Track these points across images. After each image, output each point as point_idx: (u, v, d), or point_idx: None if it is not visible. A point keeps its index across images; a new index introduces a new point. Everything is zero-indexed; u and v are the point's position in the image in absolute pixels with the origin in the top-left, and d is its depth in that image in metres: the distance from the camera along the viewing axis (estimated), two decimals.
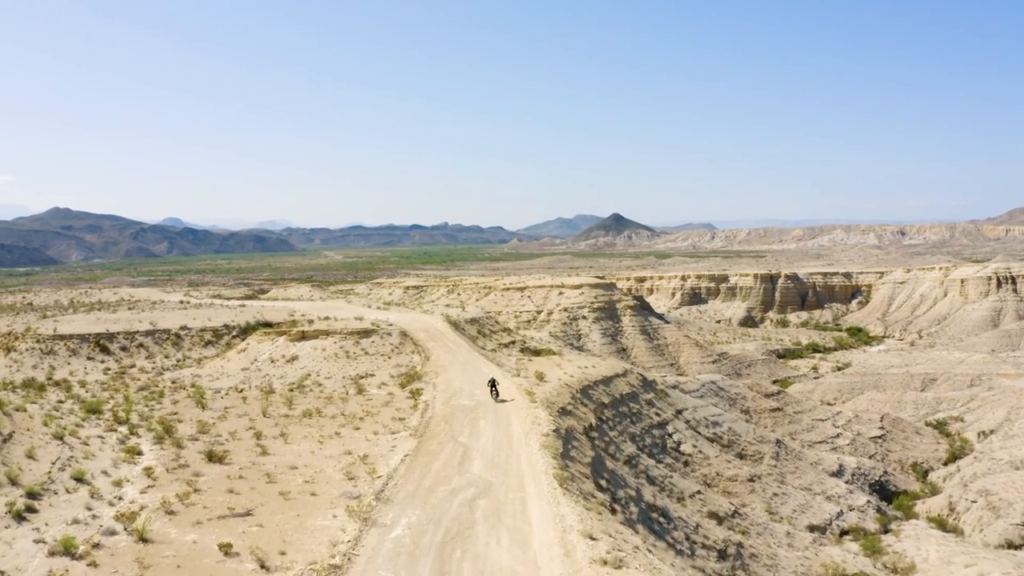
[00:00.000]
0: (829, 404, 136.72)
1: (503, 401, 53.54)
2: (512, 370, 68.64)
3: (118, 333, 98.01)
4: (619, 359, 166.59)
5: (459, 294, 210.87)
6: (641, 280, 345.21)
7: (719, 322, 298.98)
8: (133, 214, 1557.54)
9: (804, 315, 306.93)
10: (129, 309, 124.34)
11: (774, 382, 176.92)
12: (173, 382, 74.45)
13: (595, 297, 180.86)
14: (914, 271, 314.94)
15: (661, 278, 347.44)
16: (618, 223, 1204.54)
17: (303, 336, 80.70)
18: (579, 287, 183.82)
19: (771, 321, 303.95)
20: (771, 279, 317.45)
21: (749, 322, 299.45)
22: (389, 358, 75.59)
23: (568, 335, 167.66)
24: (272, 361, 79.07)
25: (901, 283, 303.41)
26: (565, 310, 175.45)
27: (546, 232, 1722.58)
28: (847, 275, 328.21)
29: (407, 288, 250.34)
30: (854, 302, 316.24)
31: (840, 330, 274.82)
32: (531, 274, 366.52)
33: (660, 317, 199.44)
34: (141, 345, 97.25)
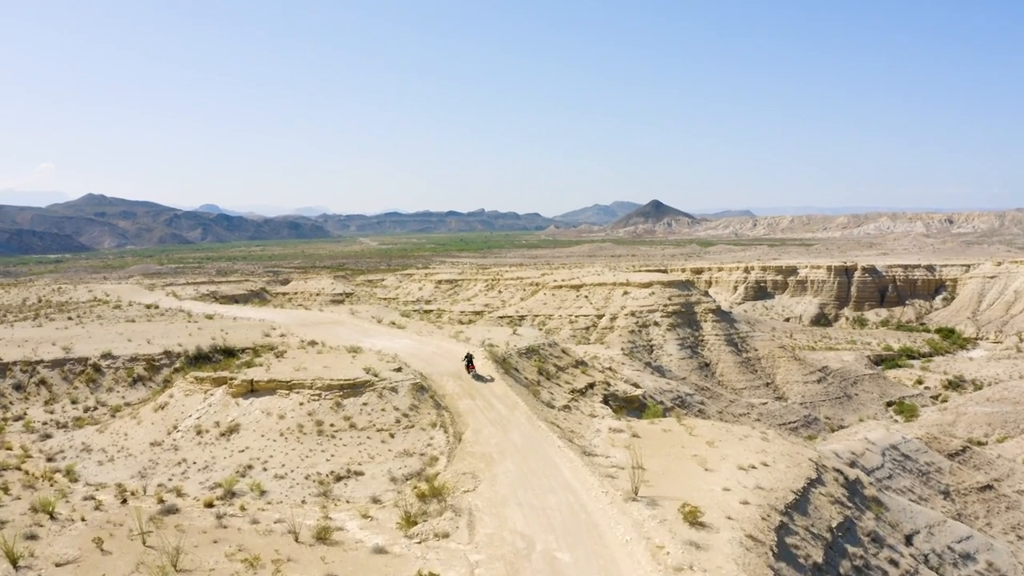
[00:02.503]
0: (980, 444, 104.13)
1: None
2: (613, 470, 36.77)
3: (13, 364, 67.49)
4: (702, 378, 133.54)
5: (500, 291, 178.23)
6: (698, 272, 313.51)
7: (788, 320, 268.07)
8: (169, 201, 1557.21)
9: (883, 312, 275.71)
10: (68, 318, 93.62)
11: (888, 404, 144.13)
12: (49, 460, 46.66)
13: (668, 298, 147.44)
14: (1005, 264, 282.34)
15: (721, 269, 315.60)
16: (657, 210, 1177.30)
17: (252, 389, 48.46)
18: (648, 285, 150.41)
19: (846, 319, 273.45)
20: (846, 272, 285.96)
21: (822, 320, 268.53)
22: (392, 435, 43.28)
23: (637, 347, 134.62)
24: (199, 433, 47.09)
25: (992, 277, 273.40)
26: (632, 314, 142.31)
27: (583, 219, 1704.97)
28: (929, 268, 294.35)
29: (439, 283, 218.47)
30: (938, 298, 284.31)
31: (927, 330, 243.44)
32: (581, 265, 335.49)
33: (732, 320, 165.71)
34: (43, 382, 67.11)
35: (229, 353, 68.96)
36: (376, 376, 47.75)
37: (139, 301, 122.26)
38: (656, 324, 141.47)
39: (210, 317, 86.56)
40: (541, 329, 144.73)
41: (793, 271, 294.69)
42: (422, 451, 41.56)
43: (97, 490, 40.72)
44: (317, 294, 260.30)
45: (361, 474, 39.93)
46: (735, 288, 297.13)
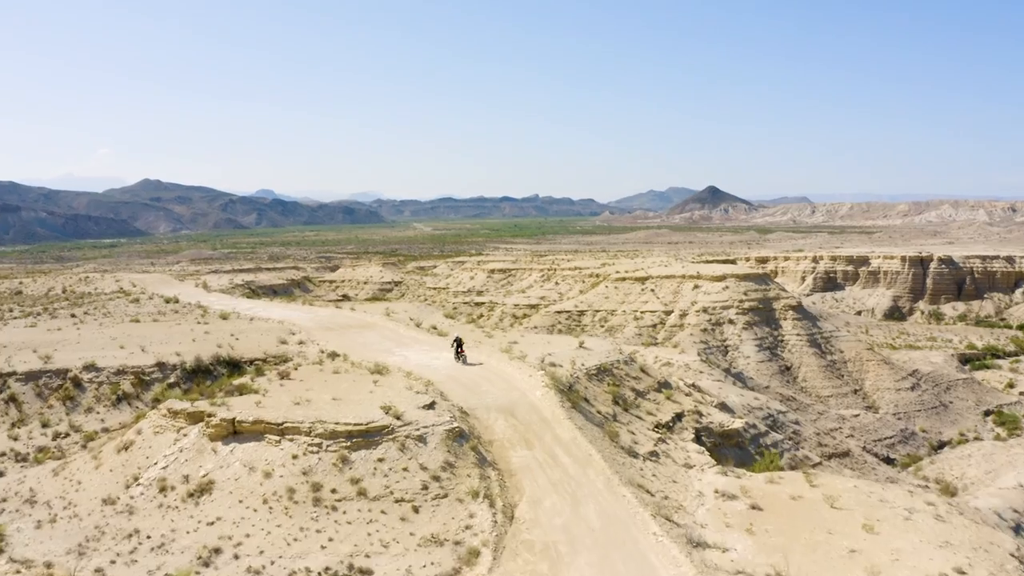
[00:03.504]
0: None
1: None
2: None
3: None
4: (783, 384, 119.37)
5: (557, 283, 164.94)
6: (763, 261, 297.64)
7: (859, 313, 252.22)
8: (225, 186, 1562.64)
9: (960, 306, 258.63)
10: (72, 316, 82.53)
11: (986, 414, 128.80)
12: None
13: (744, 293, 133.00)
14: None
15: (788, 259, 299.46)
16: (714, 196, 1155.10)
17: (234, 430, 36.08)
18: (721, 279, 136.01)
19: (921, 313, 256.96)
20: (921, 263, 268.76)
21: (895, 314, 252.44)
22: (416, 509, 30.73)
23: (710, 348, 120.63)
24: (162, 490, 35.15)
25: None
26: (704, 311, 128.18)
27: (638, 205, 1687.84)
28: (1009, 259, 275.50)
29: (492, 272, 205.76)
30: (1018, 292, 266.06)
31: (1008, 326, 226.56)
32: (638, 252, 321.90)
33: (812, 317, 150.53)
34: (13, 399, 56.20)
35: (234, 366, 57.13)
36: (398, 418, 35.01)
37: (162, 294, 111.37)
38: (731, 322, 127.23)
39: (224, 318, 74.58)
40: (603, 327, 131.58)
41: (865, 261, 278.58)
42: (457, 537, 28.90)
43: (19, 573, 29.73)
44: (364, 282, 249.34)
45: (369, 573, 27.38)
46: (803, 279, 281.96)
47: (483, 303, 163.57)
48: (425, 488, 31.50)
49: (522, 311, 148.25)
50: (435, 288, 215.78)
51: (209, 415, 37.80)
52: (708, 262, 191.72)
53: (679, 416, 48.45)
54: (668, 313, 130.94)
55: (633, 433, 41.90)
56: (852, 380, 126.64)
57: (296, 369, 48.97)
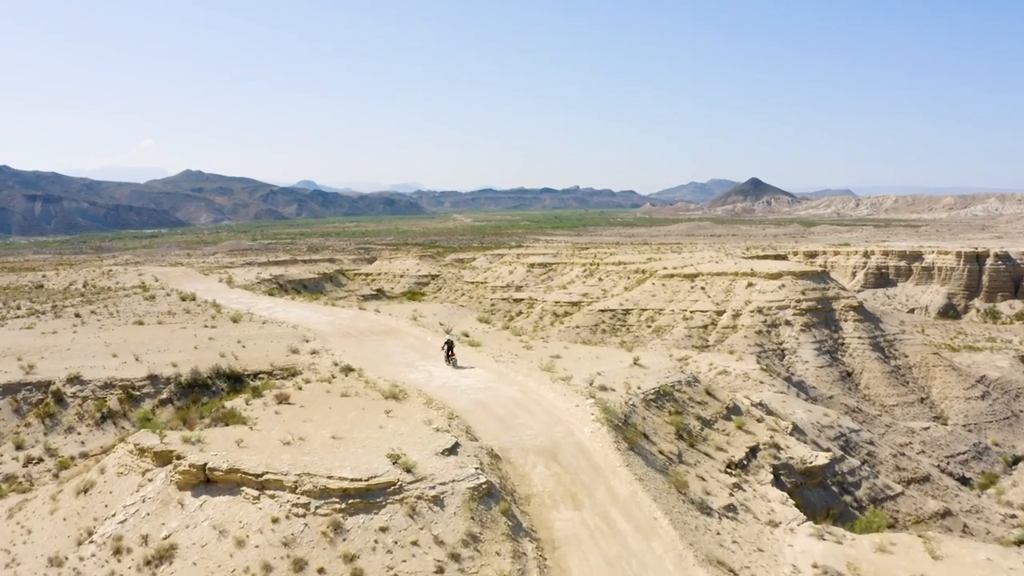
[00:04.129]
0: None
1: None
2: None
3: None
4: (845, 392, 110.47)
5: (600, 279, 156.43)
6: (812, 256, 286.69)
7: (912, 311, 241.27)
8: (267, 177, 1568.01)
9: (1018, 304, 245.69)
10: (76, 315, 76.27)
11: None
12: None
13: (802, 292, 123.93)
14: None
15: (837, 253, 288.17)
16: (756, 188, 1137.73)
17: (207, 479, 28.72)
18: (777, 276, 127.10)
19: (976, 311, 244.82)
20: (977, 259, 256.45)
21: (950, 312, 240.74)
22: None
23: (766, 351, 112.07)
24: (116, 552, 28.11)
25: None
26: (759, 311, 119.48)
27: (679, 197, 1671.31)
28: None
29: (532, 266, 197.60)
30: None
31: None
32: (681, 245, 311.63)
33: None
34: None
35: (234, 379, 50.13)
36: (409, 470, 27.31)
37: (181, 290, 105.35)
38: (787, 323, 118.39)
39: (235, 320, 67.55)
40: (650, 327, 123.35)
41: (918, 256, 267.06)
42: None
43: None
44: (401, 276, 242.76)
45: None
46: (853, 274, 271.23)
47: (522, 299, 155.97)
48: (440, 572, 23.87)
49: (563, 309, 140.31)
50: (473, 282, 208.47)
51: (179, 457, 30.49)
52: (759, 258, 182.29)
53: (754, 451, 40.48)
54: (720, 313, 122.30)
55: (703, 479, 34.04)
56: (917, 388, 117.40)
57: (299, 389, 41.64)
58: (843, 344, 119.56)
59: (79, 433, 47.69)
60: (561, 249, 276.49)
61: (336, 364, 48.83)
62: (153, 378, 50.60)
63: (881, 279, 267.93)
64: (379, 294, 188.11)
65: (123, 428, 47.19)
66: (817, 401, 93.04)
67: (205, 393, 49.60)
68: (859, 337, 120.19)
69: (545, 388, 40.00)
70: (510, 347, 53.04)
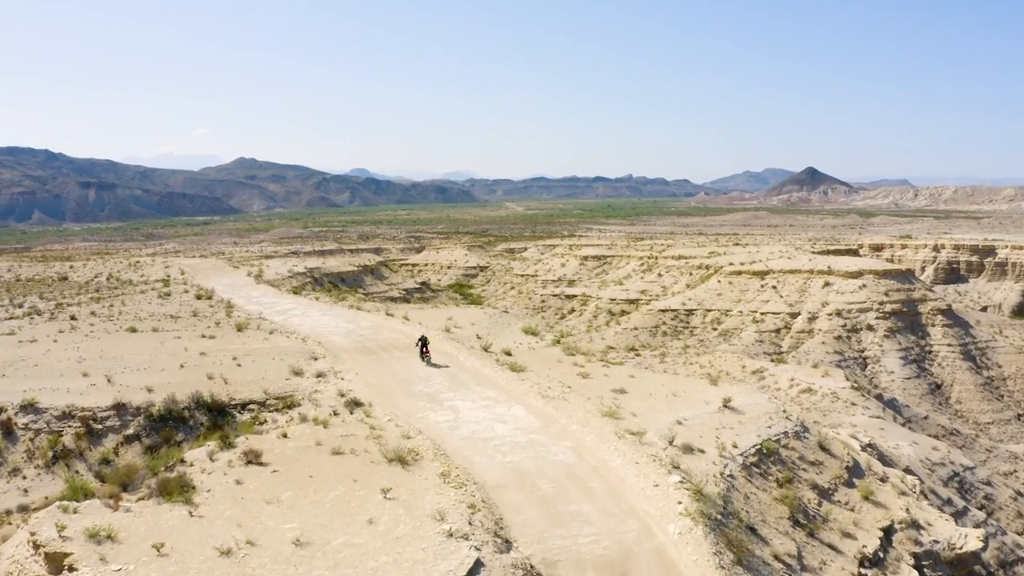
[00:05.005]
0: None
1: None
2: None
3: None
4: (934, 407, 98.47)
5: (660, 274, 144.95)
6: (878, 248, 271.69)
7: (984, 309, 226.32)
8: (320, 165, 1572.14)
9: None
10: (71, 318, 67.38)
11: None
12: None
13: (885, 294, 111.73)
14: None
15: (905, 247, 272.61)
16: (812, 177, 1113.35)
17: None
18: (857, 275, 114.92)
19: None
20: None
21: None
22: None
23: (847, 360, 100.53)
24: None
25: None
26: (838, 314, 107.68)
27: (733, 186, 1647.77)
28: None
29: (585, 259, 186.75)
30: None
31: None
32: (738, 236, 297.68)
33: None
34: None
35: (217, 411, 40.33)
36: None
37: (202, 285, 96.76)
38: (870, 328, 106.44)
39: (240, 329, 57.64)
40: (716, 329, 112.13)
41: (991, 251, 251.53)
42: None
43: None
44: (448, 267, 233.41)
45: None
46: (922, 269, 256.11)
47: (575, 296, 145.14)
48: None
49: (619, 307, 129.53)
50: (522, 275, 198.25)
51: (71, 569, 20.62)
52: (832, 252, 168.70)
53: (888, 534, 29.65)
54: (794, 315, 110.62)
55: None
56: (1013, 402, 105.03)
57: (283, 437, 31.76)
58: (931, 352, 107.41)
59: (24, 477, 38.34)
60: (615, 240, 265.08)
61: (342, 395, 38.88)
62: (120, 407, 40.97)
63: (952, 274, 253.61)
64: (423, 287, 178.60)
65: (76, 472, 37.71)
66: (912, 423, 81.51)
67: (181, 428, 39.95)
68: (948, 344, 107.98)
69: (609, 448, 29.30)
70: (561, 373, 42.49)
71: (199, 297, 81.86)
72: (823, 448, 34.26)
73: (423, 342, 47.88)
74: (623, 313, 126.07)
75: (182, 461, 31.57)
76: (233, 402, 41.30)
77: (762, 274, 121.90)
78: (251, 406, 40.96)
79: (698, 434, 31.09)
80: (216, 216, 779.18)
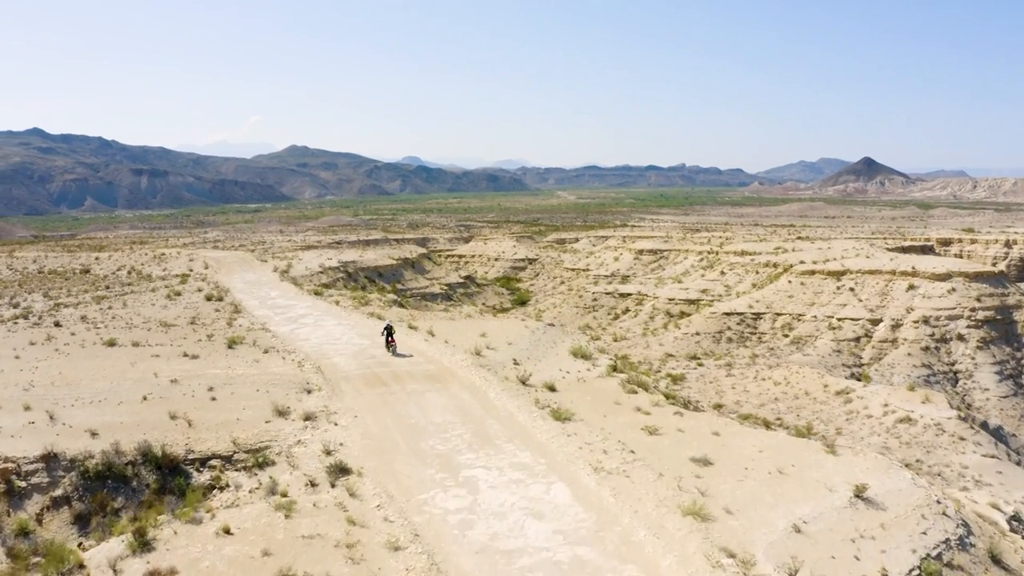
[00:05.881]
0: None
1: None
2: None
3: None
4: None
5: (722, 272, 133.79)
6: (946, 243, 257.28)
7: None
8: (372, 153, 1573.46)
9: None
10: (54, 325, 58.71)
11: None
12: None
13: (976, 299, 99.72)
14: None
15: (975, 241, 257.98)
16: (869, 168, 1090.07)
17: None
18: (945, 277, 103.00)
19: None
20: None
21: None
22: None
23: (935, 374, 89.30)
24: None
25: None
26: (924, 321, 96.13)
27: (788, 176, 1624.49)
28: None
29: (640, 253, 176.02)
30: None
31: None
32: (795, 227, 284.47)
33: None
34: None
35: (169, 469, 30.83)
36: None
37: (221, 282, 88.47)
38: (960, 339, 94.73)
39: (231, 345, 48.10)
40: (787, 336, 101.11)
41: None
42: None
43: None
44: (496, 259, 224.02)
45: None
46: (993, 265, 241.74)
47: (629, 294, 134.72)
48: None
49: (678, 307, 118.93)
50: (573, 269, 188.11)
51: None
52: (908, 249, 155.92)
53: None
54: (875, 323, 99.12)
55: None
56: None
57: (225, 534, 22.28)
58: None
59: None
60: (671, 232, 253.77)
61: (328, 452, 29.32)
62: (51, 459, 31.63)
63: None
64: (467, 282, 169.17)
65: None
66: (1021, 456, 69.96)
67: (121, 490, 30.54)
68: None
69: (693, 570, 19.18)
70: (621, 423, 32.17)
71: (209, 298, 73.07)
72: (995, 560, 23.71)
73: (388, 331, 46.72)
74: (682, 315, 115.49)
75: (80, 566, 22.30)
76: (191, 456, 31.77)
77: (838, 274, 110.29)
78: (213, 462, 31.48)
79: (829, 553, 20.77)
80: (267, 203, 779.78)
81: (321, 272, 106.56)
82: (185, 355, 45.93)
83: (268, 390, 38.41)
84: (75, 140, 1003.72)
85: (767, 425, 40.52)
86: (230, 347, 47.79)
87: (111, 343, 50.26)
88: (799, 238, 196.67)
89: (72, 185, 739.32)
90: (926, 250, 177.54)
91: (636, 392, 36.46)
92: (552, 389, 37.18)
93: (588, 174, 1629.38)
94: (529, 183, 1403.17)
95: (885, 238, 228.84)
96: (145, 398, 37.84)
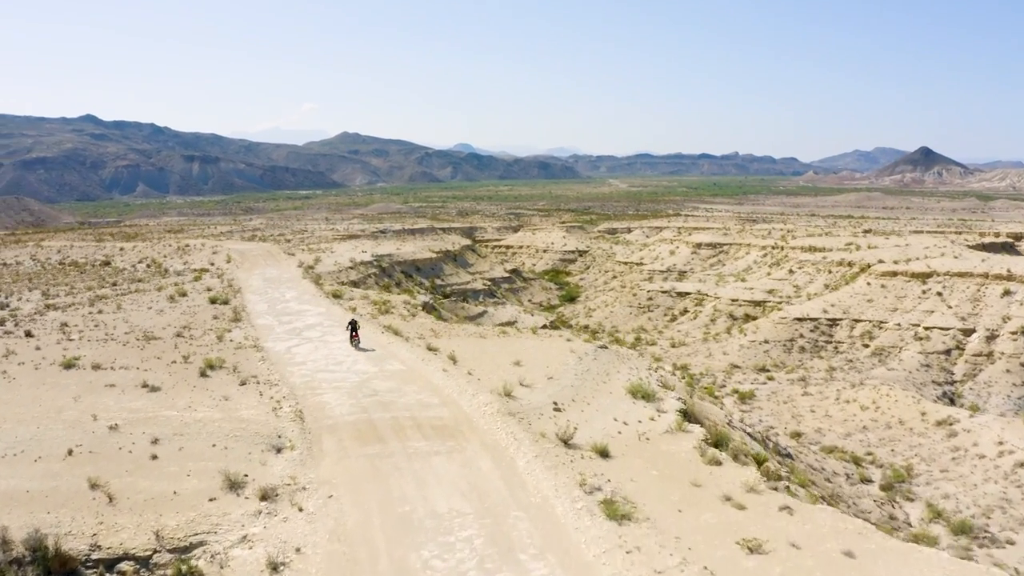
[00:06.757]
0: None
1: None
2: None
3: None
4: None
5: (791, 270, 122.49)
6: (1017, 237, 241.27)
7: None
8: (424, 140, 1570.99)
9: None
10: (27, 334, 50.35)
11: None
12: None
13: None
14: None
15: None
16: (927, 158, 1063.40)
17: None
18: None
19: None
20: None
21: None
22: None
23: None
24: None
25: None
26: (1023, 332, 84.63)
27: (842, 165, 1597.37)
28: None
29: (698, 246, 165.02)
30: None
31: None
32: (853, 219, 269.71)
33: None
34: None
35: (65, 574, 21.78)
36: None
37: (237, 279, 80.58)
38: None
39: (204, 373, 38.90)
40: (867, 346, 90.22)
41: None
42: None
43: None
44: (544, 251, 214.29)
45: None
46: None
47: (688, 294, 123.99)
48: None
49: (742, 309, 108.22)
50: (626, 263, 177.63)
51: None
52: (987, 246, 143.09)
53: None
54: (967, 333, 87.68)
55: None
56: None
57: None
58: None
59: None
60: (728, 223, 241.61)
61: (274, 570, 20.00)
62: None
63: None
64: (513, 276, 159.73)
65: None
66: None
67: None
68: None
69: None
70: (705, 531, 22.15)
71: (213, 301, 64.55)
72: None
73: (353, 326, 45.95)
74: (747, 317, 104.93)
75: None
76: (94, 556, 22.65)
77: (923, 276, 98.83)
78: (123, 566, 22.34)
79: None
80: (318, 190, 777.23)
81: (351, 268, 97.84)
82: (145, 386, 36.85)
83: (227, 445, 29.16)
84: (128, 127, 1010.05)
85: (917, 539, 30.25)
86: (203, 374, 38.66)
87: (69, 364, 41.51)
88: (866, 232, 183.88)
89: (124, 171, 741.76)
90: (1007, 247, 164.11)
91: (720, 463, 26.48)
92: (604, 454, 27.37)
93: (640, 162, 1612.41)
94: (581, 171, 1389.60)
95: (958, 232, 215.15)
96: (71, 452, 28.85)
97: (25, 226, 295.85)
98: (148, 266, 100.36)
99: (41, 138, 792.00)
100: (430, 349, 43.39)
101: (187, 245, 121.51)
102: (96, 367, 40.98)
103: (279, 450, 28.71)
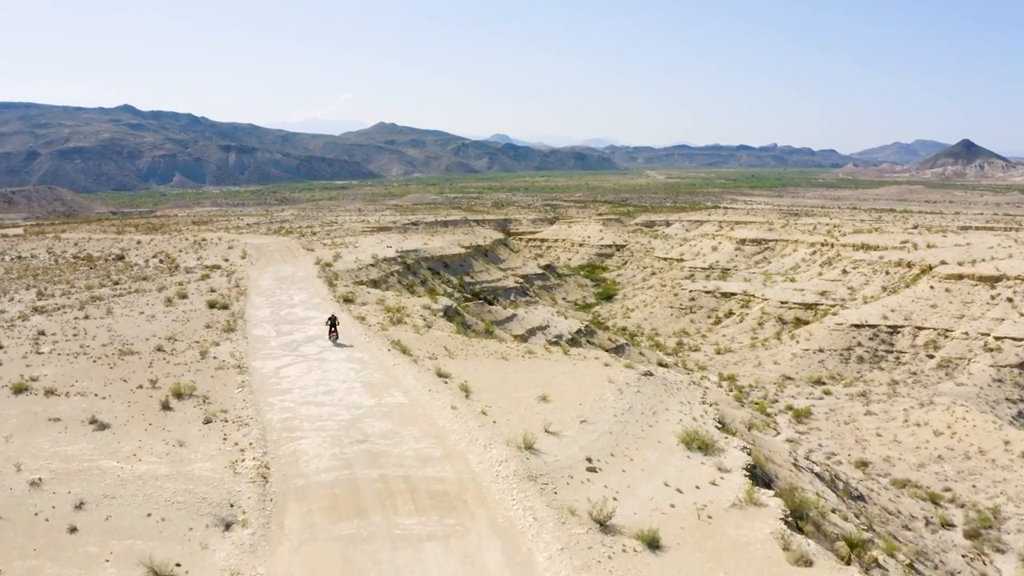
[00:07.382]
0: None
1: None
2: None
3: None
4: None
5: (844, 271, 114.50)
6: None
7: None
8: (460, 131, 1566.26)
9: None
10: None
11: None
12: None
13: None
14: None
15: None
16: (968, 151, 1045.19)
17: None
18: None
19: None
20: None
21: None
22: None
23: None
24: None
25: None
26: None
27: (882, 157, 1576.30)
28: None
29: (742, 242, 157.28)
30: None
31: None
32: (896, 213, 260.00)
33: None
34: None
35: None
36: None
37: (245, 277, 75.01)
38: None
39: (170, 404, 32.75)
40: (932, 357, 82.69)
41: None
42: None
43: None
44: (580, 244, 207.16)
45: None
46: None
47: (733, 294, 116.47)
48: None
49: (792, 312, 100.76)
50: (665, 258, 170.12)
51: None
52: None
53: None
54: None
55: None
56: None
57: None
58: None
59: None
60: (771, 217, 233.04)
61: None
62: None
63: None
64: (546, 272, 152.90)
65: None
66: None
67: None
68: None
69: None
70: None
71: (212, 305, 58.53)
72: None
73: (332, 322, 45.53)
74: (798, 322, 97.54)
75: None
76: None
77: (992, 280, 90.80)
78: None
79: None
80: (354, 180, 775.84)
81: (372, 265, 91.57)
82: (93, 422, 30.53)
83: (165, 516, 22.72)
84: (165, 116, 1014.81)
85: None
86: (165, 407, 32.27)
87: (21, 388, 35.44)
88: (914, 227, 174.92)
89: (161, 161, 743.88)
90: None
91: (810, 564, 19.62)
92: (653, 545, 20.55)
93: (678, 153, 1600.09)
94: (617, 162, 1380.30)
95: (1007, 228, 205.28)
96: None
97: (56, 216, 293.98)
98: (161, 262, 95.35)
99: (79, 128, 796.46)
100: (440, 375, 36.71)
101: (204, 240, 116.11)
102: (49, 392, 34.82)
103: (228, 526, 22.16)
